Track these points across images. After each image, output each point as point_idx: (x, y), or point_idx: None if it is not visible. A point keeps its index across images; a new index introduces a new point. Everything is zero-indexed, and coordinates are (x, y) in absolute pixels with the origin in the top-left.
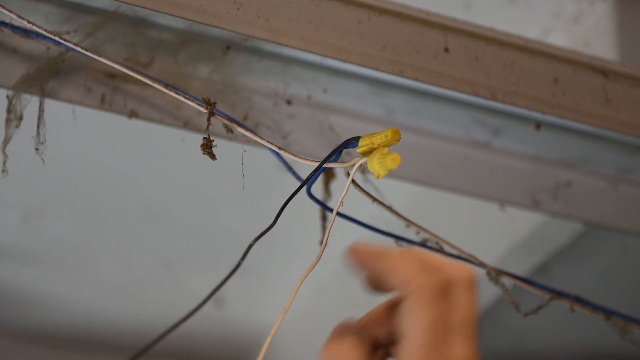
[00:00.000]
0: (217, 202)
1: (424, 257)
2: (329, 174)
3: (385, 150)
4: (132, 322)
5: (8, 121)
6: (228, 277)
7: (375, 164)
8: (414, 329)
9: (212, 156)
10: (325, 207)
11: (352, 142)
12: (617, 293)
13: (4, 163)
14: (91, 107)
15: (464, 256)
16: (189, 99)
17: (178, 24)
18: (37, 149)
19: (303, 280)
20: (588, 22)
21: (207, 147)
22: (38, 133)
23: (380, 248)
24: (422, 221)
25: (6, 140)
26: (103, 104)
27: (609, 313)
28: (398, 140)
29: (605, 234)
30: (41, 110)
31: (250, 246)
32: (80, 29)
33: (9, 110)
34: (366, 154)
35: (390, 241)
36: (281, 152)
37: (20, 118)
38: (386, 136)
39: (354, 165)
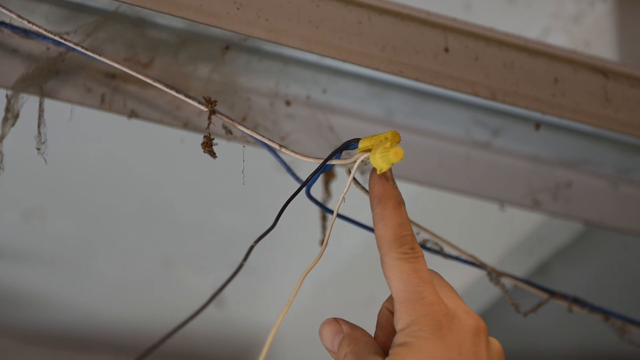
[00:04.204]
0: (217, 201)
1: None
2: (329, 174)
3: (388, 144)
4: (132, 322)
5: (5, 120)
6: (230, 279)
7: (377, 158)
8: None
9: (213, 154)
10: (325, 209)
11: (352, 143)
12: (616, 293)
13: (1, 161)
14: (91, 107)
15: (465, 257)
16: (189, 98)
17: (178, 24)
18: (38, 149)
19: (303, 280)
20: (588, 22)
21: (208, 146)
22: (39, 133)
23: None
24: (421, 221)
25: (0, 138)
26: (103, 104)
27: (607, 314)
28: (398, 142)
29: (605, 234)
30: (41, 110)
31: (251, 248)
32: (80, 29)
33: (7, 109)
34: (367, 152)
35: None
36: (282, 150)
37: (17, 116)
38: (386, 138)
39: (355, 161)
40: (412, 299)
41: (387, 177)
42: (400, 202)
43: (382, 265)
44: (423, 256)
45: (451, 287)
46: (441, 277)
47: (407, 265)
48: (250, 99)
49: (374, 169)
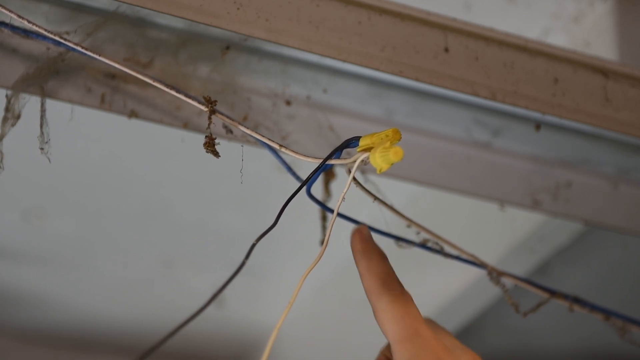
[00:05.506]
0: (218, 201)
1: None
2: (329, 174)
3: (388, 144)
4: (132, 322)
5: (5, 119)
6: (232, 277)
7: (377, 158)
8: None
9: (216, 154)
10: (325, 208)
11: (353, 141)
12: (617, 293)
13: (1, 160)
14: (91, 107)
15: (465, 257)
16: (189, 98)
17: (178, 24)
18: (41, 149)
19: (304, 280)
20: (588, 22)
21: (210, 146)
22: (42, 133)
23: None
24: (421, 221)
25: (0, 138)
26: (103, 104)
27: (607, 313)
28: (399, 140)
29: (605, 234)
30: (43, 110)
31: (253, 246)
32: (80, 29)
33: (7, 109)
34: (367, 152)
35: (389, 241)
36: (282, 150)
37: (18, 117)
38: (387, 136)
39: (355, 161)
40: (409, 336)
41: (367, 235)
42: (384, 255)
43: (375, 313)
44: (413, 300)
45: (445, 330)
46: (434, 321)
47: (399, 307)
48: (251, 99)
49: (355, 232)
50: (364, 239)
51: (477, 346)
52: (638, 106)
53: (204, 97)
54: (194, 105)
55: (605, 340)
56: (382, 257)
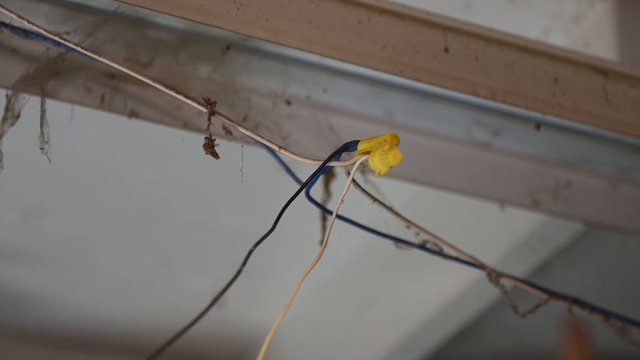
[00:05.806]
0: (217, 201)
1: None
2: (329, 174)
3: (387, 147)
4: (132, 322)
5: (5, 119)
6: (231, 283)
7: (376, 161)
8: None
9: (215, 155)
10: (324, 210)
11: (351, 145)
12: (616, 293)
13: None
14: (91, 107)
15: (465, 258)
16: (188, 99)
17: (178, 24)
18: (42, 149)
19: (303, 280)
20: (588, 22)
21: (210, 147)
22: (42, 132)
23: None
24: (421, 221)
25: None
26: (103, 104)
27: (607, 314)
28: (397, 144)
29: (605, 234)
30: (43, 110)
31: (250, 251)
32: (80, 29)
33: (6, 109)
34: (366, 155)
35: (389, 242)
36: (281, 151)
37: (17, 116)
38: (385, 140)
39: (354, 163)
40: None
41: (583, 328)
42: (590, 344)
43: None
44: None
45: None
46: None
47: None
48: (251, 99)
49: (576, 321)
50: (582, 326)
51: (477, 346)
52: (638, 106)
53: (204, 99)
54: (193, 105)
55: (605, 341)
56: (590, 344)
